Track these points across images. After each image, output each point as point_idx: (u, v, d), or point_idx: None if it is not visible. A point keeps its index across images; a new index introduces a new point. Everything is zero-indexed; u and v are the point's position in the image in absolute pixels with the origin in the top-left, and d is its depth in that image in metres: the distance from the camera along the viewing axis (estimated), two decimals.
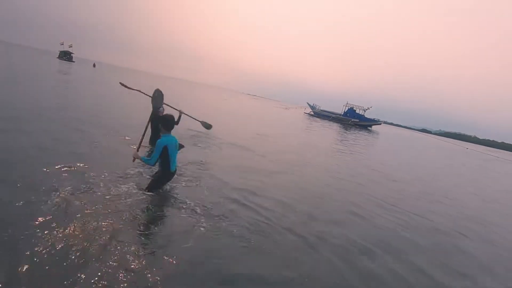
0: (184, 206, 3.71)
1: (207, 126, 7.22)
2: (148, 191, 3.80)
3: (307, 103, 56.37)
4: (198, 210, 3.69)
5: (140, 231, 3.00)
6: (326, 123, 35.36)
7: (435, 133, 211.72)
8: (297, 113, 49.38)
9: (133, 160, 3.97)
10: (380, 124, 50.13)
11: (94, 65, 59.82)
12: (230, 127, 11.95)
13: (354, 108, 49.04)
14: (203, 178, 4.93)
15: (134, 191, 3.79)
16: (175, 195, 3.97)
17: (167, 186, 4.09)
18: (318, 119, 43.98)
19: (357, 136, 23.99)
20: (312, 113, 53.29)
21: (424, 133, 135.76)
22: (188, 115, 6.23)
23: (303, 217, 4.27)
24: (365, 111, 48.34)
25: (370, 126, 48.16)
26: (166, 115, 3.86)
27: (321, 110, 52.47)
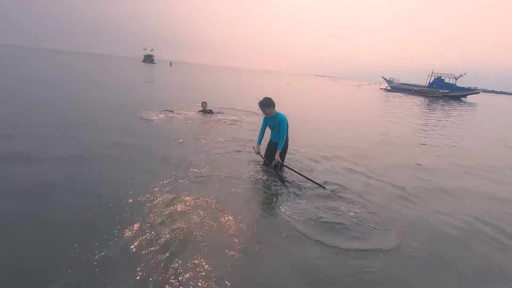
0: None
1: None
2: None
3: (383, 77, 51.19)
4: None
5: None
6: (408, 98, 31.45)
7: None
8: (371, 90, 45.44)
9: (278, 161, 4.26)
10: (478, 93, 42.04)
11: (170, 64, 66.16)
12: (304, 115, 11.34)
13: (442, 77, 42.20)
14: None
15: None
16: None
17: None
18: (398, 94, 39.53)
19: (448, 111, 20.67)
20: (389, 88, 48.29)
21: None
22: None
23: None
24: (456, 79, 41.08)
25: (465, 96, 40.85)
26: (265, 98, 4.12)
27: (400, 84, 46.97)
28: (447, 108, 22.12)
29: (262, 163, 4.56)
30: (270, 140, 4.46)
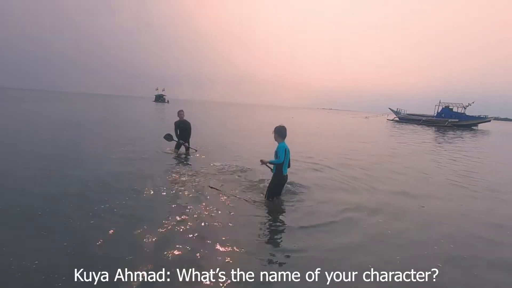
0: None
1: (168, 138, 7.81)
2: (268, 198, 4.30)
3: (389, 108, 51.28)
4: None
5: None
6: (418, 128, 31.05)
7: None
8: (379, 121, 45.34)
9: (262, 164, 4.30)
10: (489, 121, 41.37)
11: (168, 101, 66.64)
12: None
13: (450, 107, 41.95)
14: None
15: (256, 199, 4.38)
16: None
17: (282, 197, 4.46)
18: (406, 125, 39.23)
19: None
20: (397, 118, 48.13)
21: None
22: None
23: None
24: (465, 108, 40.73)
25: (475, 125, 40.17)
26: (279, 126, 4.23)
27: (408, 114, 46.84)
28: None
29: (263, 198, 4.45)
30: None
